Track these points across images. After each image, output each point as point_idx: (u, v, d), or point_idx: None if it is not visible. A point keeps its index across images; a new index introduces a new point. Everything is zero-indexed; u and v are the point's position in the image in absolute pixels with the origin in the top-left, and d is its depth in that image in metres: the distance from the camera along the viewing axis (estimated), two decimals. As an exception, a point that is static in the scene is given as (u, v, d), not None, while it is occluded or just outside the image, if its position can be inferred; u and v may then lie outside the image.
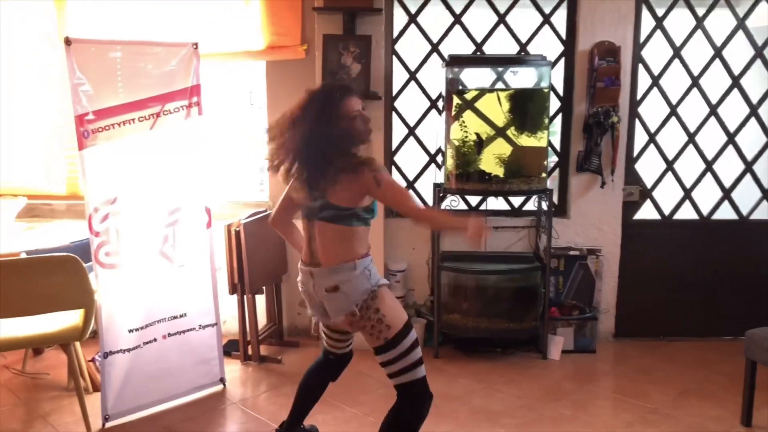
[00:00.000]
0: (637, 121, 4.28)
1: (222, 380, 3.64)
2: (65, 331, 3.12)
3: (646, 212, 4.38)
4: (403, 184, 4.40)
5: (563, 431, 3.14)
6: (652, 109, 4.28)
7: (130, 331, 3.24)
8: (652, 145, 4.31)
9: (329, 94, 2.45)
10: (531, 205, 4.34)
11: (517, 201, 4.41)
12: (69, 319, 3.16)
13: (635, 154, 4.31)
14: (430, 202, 4.33)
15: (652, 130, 4.29)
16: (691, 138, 4.29)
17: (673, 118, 4.28)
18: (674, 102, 4.26)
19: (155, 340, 3.35)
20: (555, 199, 4.26)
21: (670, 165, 4.32)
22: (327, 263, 2.45)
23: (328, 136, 2.36)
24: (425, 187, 4.40)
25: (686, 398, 3.52)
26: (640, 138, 4.31)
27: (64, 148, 4.41)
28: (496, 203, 4.39)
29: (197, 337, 3.51)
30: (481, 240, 2.25)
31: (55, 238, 3.59)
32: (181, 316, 3.44)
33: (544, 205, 4.06)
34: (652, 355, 4.15)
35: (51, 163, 4.46)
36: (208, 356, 3.57)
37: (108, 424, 3.19)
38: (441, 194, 4.04)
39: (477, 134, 3.88)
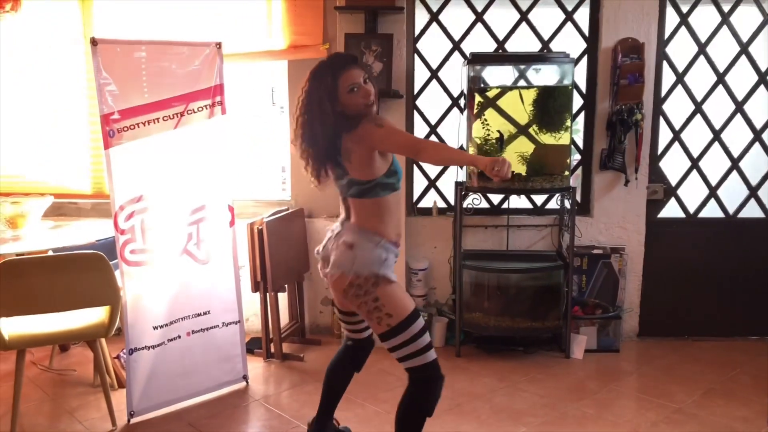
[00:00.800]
0: (661, 118, 4.23)
1: (245, 377, 3.66)
2: (91, 328, 3.16)
3: (671, 210, 4.33)
4: (425, 182, 4.40)
5: (587, 431, 3.12)
6: (677, 107, 4.24)
7: (155, 328, 3.28)
8: (676, 143, 4.26)
9: (323, 76, 2.41)
10: (554, 204, 4.31)
11: (539, 199, 4.38)
12: (95, 315, 3.21)
13: (659, 151, 4.27)
14: (452, 201, 4.33)
15: (677, 128, 4.25)
16: (717, 135, 4.24)
17: (698, 116, 4.23)
18: (699, 99, 4.21)
19: (179, 337, 3.38)
20: (578, 197, 4.23)
21: (695, 163, 4.28)
22: (357, 223, 2.48)
23: (325, 118, 2.37)
24: (447, 186, 4.39)
25: (711, 398, 3.48)
26: (665, 135, 4.26)
27: (89, 147, 4.48)
28: (518, 202, 4.37)
29: (221, 335, 3.53)
30: (504, 170, 2.14)
31: (82, 236, 3.63)
32: (204, 313, 3.47)
33: (567, 204, 4.03)
34: (677, 355, 4.11)
35: (77, 162, 4.52)
36: (232, 353, 3.60)
37: (133, 420, 3.22)
38: (463, 192, 4.03)
39: (498, 131, 3.86)
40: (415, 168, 4.37)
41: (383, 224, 2.46)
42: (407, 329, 2.41)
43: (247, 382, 3.66)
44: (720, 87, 4.19)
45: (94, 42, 3.03)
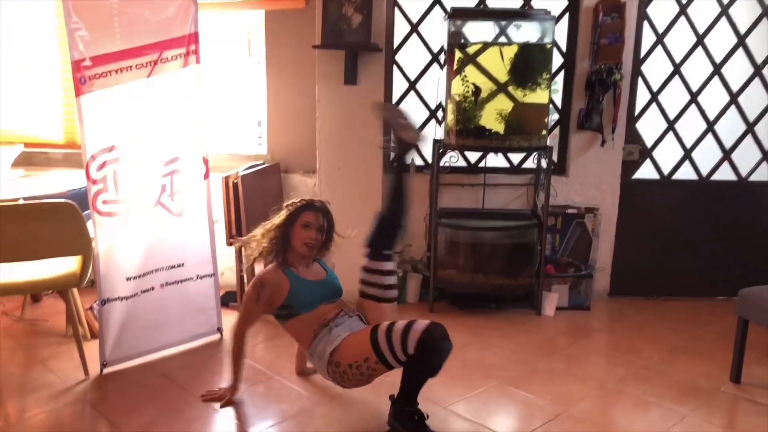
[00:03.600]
0: (639, 79, 4.24)
1: (219, 330, 3.67)
2: (63, 278, 3.14)
3: (646, 172, 4.37)
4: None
5: (556, 385, 3.18)
6: (656, 68, 4.24)
7: (128, 279, 3.25)
8: (653, 104, 4.28)
9: (294, 205, 2.96)
10: (530, 163, 4.32)
11: (516, 158, 4.39)
12: (67, 265, 3.18)
13: (636, 112, 4.28)
14: (429, 159, 4.32)
15: (655, 89, 4.26)
16: (694, 98, 4.26)
17: (677, 77, 4.24)
18: (678, 61, 4.21)
19: (153, 288, 3.37)
20: (554, 157, 4.24)
21: (671, 125, 4.30)
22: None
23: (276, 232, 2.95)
24: (425, 143, 4.37)
25: (677, 355, 3.56)
26: (642, 97, 4.28)
27: (61, 96, 4.38)
28: (495, 160, 4.37)
29: (195, 287, 3.53)
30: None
31: (53, 186, 3.58)
32: (178, 266, 3.45)
33: (544, 163, 4.05)
34: (646, 313, 4.19)
35: (48, 110, 4.43)
36: (206, 306, 3.60)
37: (106, 370, 3.22)
38: (441, 150, 4.02)
39: (474, 85, 3.84)
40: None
41: (300, 338, 2.89)
42: (380, 347, 2.57)
43: (221, 334, 3.67)
44: (699, 49, 4.20)
45: (64, -16, 2.93)
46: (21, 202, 3.31)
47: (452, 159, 4.13)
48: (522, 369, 3.36)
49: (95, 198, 3.09)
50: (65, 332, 3.65)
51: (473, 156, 4.36)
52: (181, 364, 3.35)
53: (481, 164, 4.35)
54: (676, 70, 4.22)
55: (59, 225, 2.96)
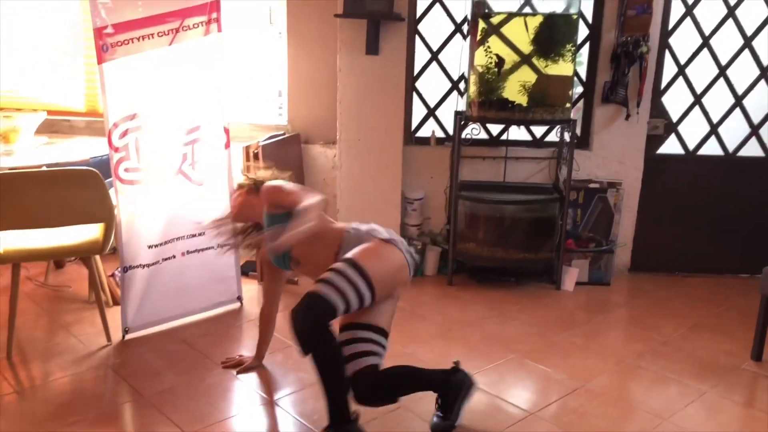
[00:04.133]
0: (667, 52, 4.15)
1: (239, 298, 3.70)
2: (86, 245, 3.17)
3: (671, 147, 4.30)
4: (424, 111, 4.34)
5: (574, 359, 3.18)
6: (684, 40, 4.14)
7: (150, 247, 3.28)
8: (680, 78, 4.19)
9: None
10: (553, 136, 4.27)
11: (539, 131, 4.34)
12: (89, 233, 3.21)
13: (663, 86, 4.20)
14: (451, 131, 4.29)
15: (682, 62, 4.17)
16: (722, 71, 4.17)
17: (705, 50, 4.14)
18: (707, 33, 4.11)
19: (174, 257, 3.39)
20: (578, 130, 4.19)
21: (698, 99, 4.22)
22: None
23: None
24: (446, 115, 4.34)
25: (698, 332, 3.54)
26: (669, 70, 4.19)
27: (83, 64, 4.39)
28: (518, 133, 4.33)
29: (215, 256, 3.55)
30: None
31: (75, 153, 3.61)
32: (199, 234, 3.47)
33: (567, 136, 3.99)
34: (667, 290, 4.15)
35: (70, 79, 4.45)
36: (226, 275, 3.63)
37: (128, 336, 3.27)
38: (462, 122, 3.98)
39: (497, 55, 3.78)
40: (415, 96, 4.30)
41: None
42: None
43: (241, 302, 3.71)
44: (729, 21, 4.09)
45: (86, -49, 2.92)
46: (44, 169, 3.33)
47: (474, 131, 4.09)
48: (540, 343, 3.36)
49: (117, 166, 3.10)
50: (88, 298, 3.71)
51: (495, 129, 4.31)
52: (202, 331, 3.39)
53: (503, 137, 4.30)
54: (705, 42, 4.13)
55: (82, 192, 2.98)
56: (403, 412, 2.65)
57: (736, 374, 3.07)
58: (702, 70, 4.18)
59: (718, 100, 4.22)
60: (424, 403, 2.64)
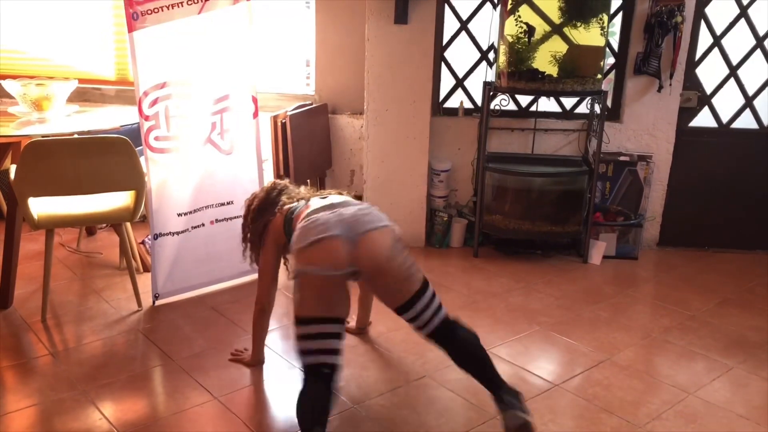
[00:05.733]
0: (702, 22, 4.05)
1: (266, 267, 3.74)
2: (117, 212, 3.22)
3: (703, 119, 4.22)
4: (452, 81, 4.30)
5: (600, 332, 3.17)
6: (719, 10, 4.04)
7: (179, 215, 3.33)
8: (716, 49, 4.10)
9: None
10: (583, 108, 4.21)
11: (568, 103, 4.28)
12: (120, 200, 3.26)
13: (697, 57, 4.11)
14: (479, 102, 4.25)
15: (718, 33, 4.07)
16: (760, 42, 4.06)
17: (742, 20, 4.03)
18: (745, 2, 4.00)
19: (203, 225, 3.44)
20: (608, 102, 4.12)
21: (733, 71, 4.12)
22: None
23: None
24: (475, 86, 4.30)
25: (726, 308, 3.50)
26: (704, 41, 4.09)
27: (113, 33, 4.42)
28: (547, 105, 4.27)
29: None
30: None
31: (106, 121, 3.64)
32: (228, 203, 3.50)
33: (597, 108, 3.94)
34: (696, 265, 4.11)
35: (101, 48, 4.48)
36: (254, 243, 3.66)
37: (158, 302, 3.33)
38: (491, 93, 3.94)
39: (527, 24, 3.72)
40: (443, 66, 4.27)
41: None
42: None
43: (268, 271, 3.74)
44: (769, -10, 3.98)
45: None
46: (75, 137, 3.37)
47: (503, 102, 4.05)
48: (566, 316, 3.35)
49: (147, 134, 3.13)
50: (119, 265, 3.78)
51: (524, 100, 4.26)
52: (230, 298, 3.44)
53: (532, 108, 4.25)
54: (743, 12, 4.02)
55: (114, 160, 3.02)
56: (428, 380, 2.68)
57: (764, 350, 3.04)
58: (738, 42, 4.08)
59: (754, 73, 4.12)
60: (449, 371, 2.66)
